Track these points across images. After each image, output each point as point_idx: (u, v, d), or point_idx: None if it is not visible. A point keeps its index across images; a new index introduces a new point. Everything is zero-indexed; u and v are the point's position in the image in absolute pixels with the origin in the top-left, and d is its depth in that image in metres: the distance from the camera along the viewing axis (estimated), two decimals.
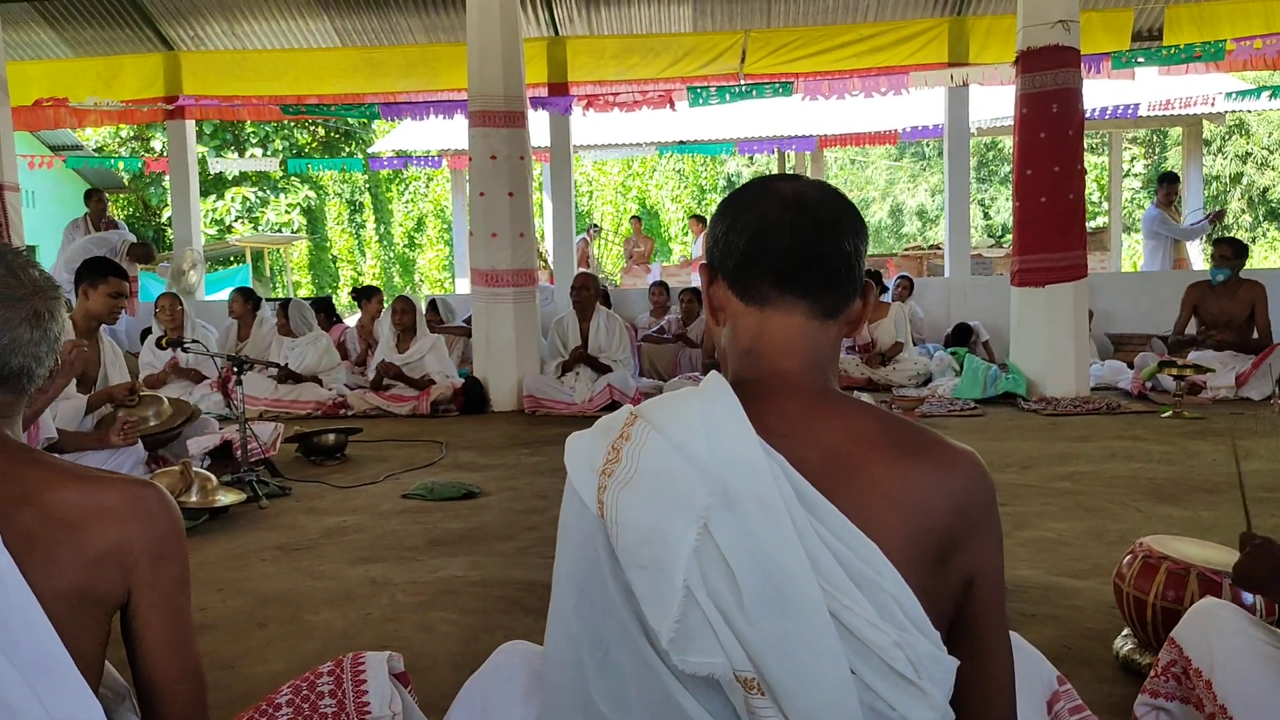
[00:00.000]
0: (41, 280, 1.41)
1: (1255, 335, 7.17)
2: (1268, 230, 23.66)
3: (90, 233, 9.73)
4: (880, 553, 1.16)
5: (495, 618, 2.82)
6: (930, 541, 1.21)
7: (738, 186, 1.35)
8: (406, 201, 23.86)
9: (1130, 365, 7.65)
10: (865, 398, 6.16)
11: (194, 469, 4.09)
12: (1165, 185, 9.99)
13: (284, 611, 2.93)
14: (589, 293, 7.61)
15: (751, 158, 23.17)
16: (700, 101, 9.23)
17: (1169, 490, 4.18)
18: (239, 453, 4.66)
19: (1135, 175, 23.28)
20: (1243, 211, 23.17)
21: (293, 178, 20.23)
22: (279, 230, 20.15)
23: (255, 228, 20.27)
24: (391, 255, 23.68)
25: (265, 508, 4.29)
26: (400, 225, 23.84)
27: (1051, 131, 6.97)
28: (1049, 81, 6.89)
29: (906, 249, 14.37)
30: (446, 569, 3.31)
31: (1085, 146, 7.94)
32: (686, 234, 24.24)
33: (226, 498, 4.08)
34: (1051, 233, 7.04)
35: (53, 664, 1.23)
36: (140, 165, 13.61)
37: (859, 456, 1.21)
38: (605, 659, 1.22)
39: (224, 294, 16.88)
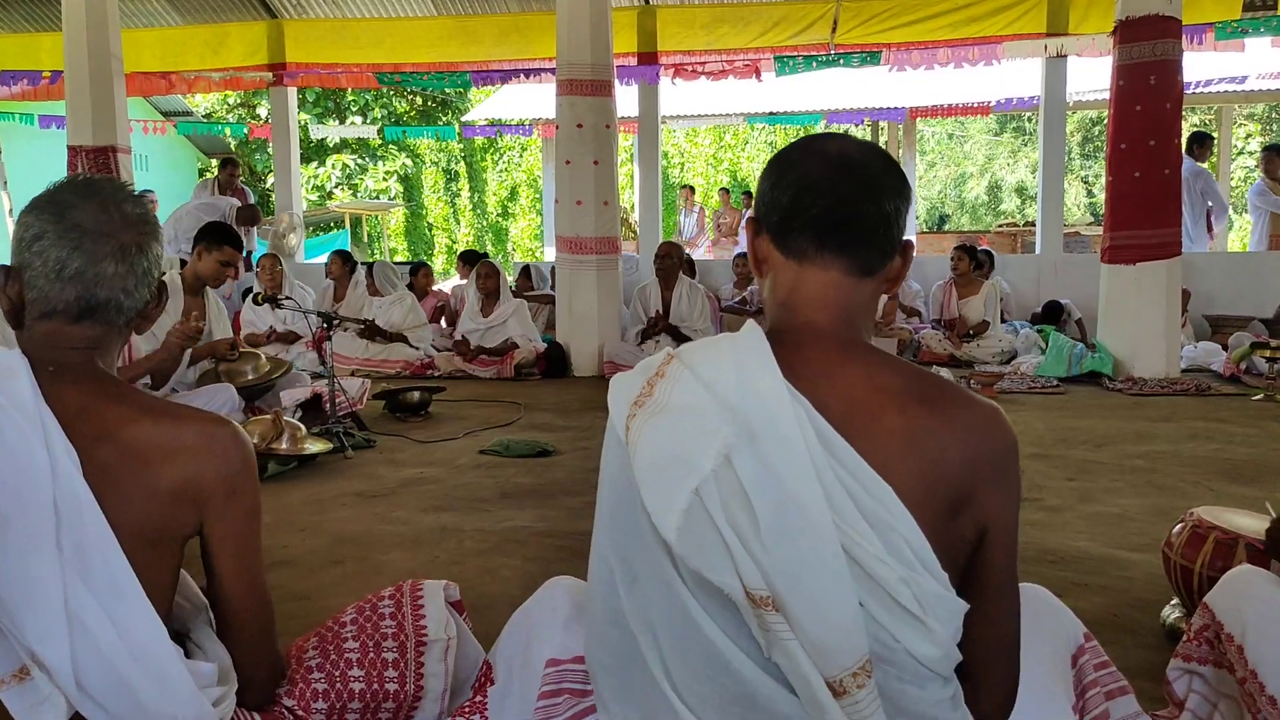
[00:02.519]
0: (134, 214, 1.45)
1: None
2: None
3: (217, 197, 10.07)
4: (894, 495, 1.22)
5: (556, 565, 2.94)
6: (943, 492, 1.26)
7: (786, 146, 1.42)
8: (500, 171, 24.18)
9: (1225, 348, 7.43)
10: (944, 373, 6.13)
11: (285, 418, 4.30)
12: (1268, 155, 9.61)
13: (357, 551, 3.10)
14: (672, 261, 7.68)
15: (846, 130, 22.88)
16: (787, 70, 9.18)
17: (1247, 471, 4.10)
18: (328, 405, 4.88)
19: (1249, 153, 22.28)
20: None
21: (391, 146, 20.69)
22: (377, 197, 20.64)
23: (354, 194, 20.80)
24: (485, 224, 24.05)
25: (350, 457, 4.50)
26: (494, 194, 24.19)
27: (1148, 104, 6.77)
28: (1147, 52, 6.69)
29: (999, 226, 14.06)
30: (514, 520, 3.45)
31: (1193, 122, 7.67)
32: None
33: (314, 446, 4.29)
34: (1145, 209, 6.86)
35: (125, 591, 1.32)
36: (245, 131, 14.09)
37: (878, 405, 1.26)
38: (634, 581, 1.31)
39: (323, 258, 17.40)
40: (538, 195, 22.49)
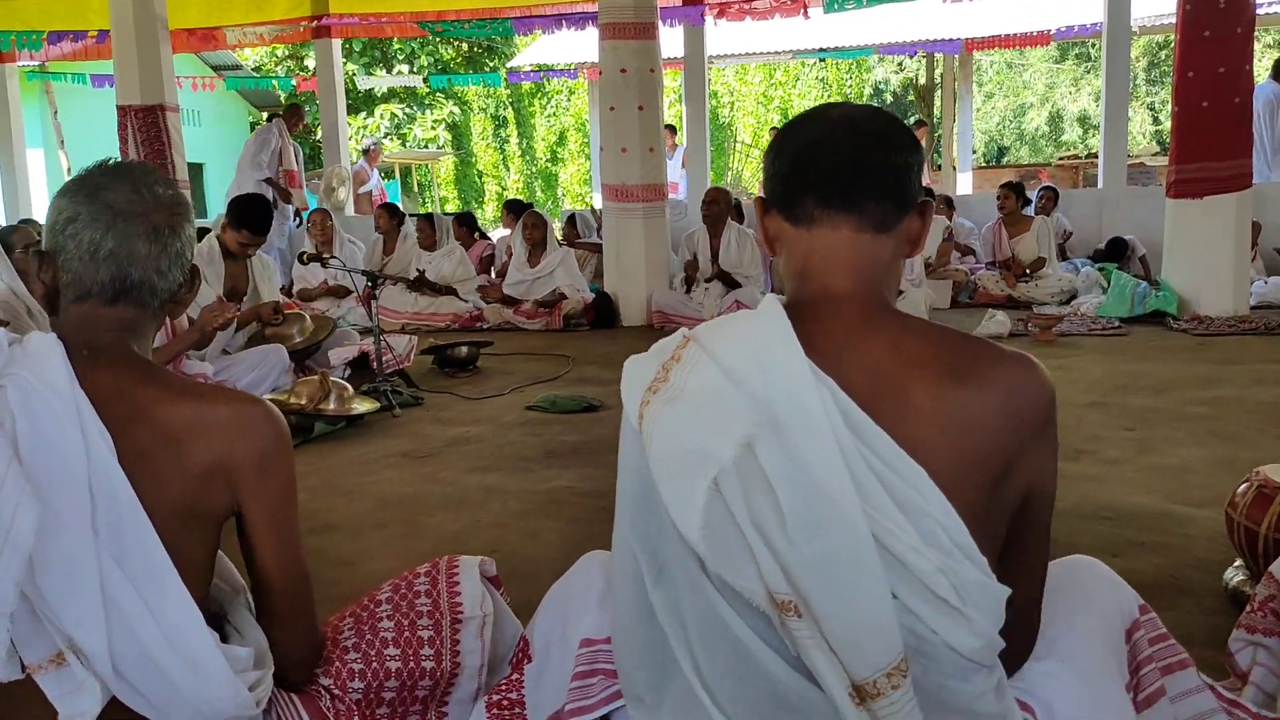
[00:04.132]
0: (165, 195, 1.45)
1: None
2: None
3: (285, 142, 9.97)
4: (927, 478, 1.16)
5: (598, 528, 2.92)
6: (984, 462, 1.20)
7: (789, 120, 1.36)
8: (549, 116, 24.00)
9: None
10: (1000, 316, 5.97)
11: (332, 379, 4.32)
12: None
13: (402, 514, 3.11)
14: (719, 207, 7.55)
15: (900, 63, 22.31)
16: (835, 7, 8.92)
17: None
18: (375, 364, 4.90)
19: None
20: None
21: (439, 94, 20.61)
22: (425, 146, 20.64)
23: (403, 144, 20.81)
24: (534, 170, 23.96)
25: (398, 416, 4.51)
26: (543, 140, 24.05)
27: (1217, 29, 6.46)
28: None
29: (1061, 158, 13.66)
30: (558, 479, 3.43)
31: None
32: None
33: (361, 406, 4.31)
34: (1213, 140, 6.58)
35: (159, 573, 1.32)
36: (293, 85, 14.10)
37: (906, 378, 1.20)
38: (660, 574, 1.27)
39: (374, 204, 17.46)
40: (586, 140, 22.31)
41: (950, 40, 12.12)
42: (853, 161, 1.25)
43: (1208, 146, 6.58)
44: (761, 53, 13.43)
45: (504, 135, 23.63)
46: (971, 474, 1.20)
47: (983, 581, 1.18)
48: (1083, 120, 25.18)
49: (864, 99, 23.33)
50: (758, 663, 1.20)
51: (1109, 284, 7.39)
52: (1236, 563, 2.34)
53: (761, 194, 1.37)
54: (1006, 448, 1.21)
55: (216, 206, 16.09)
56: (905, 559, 1.15)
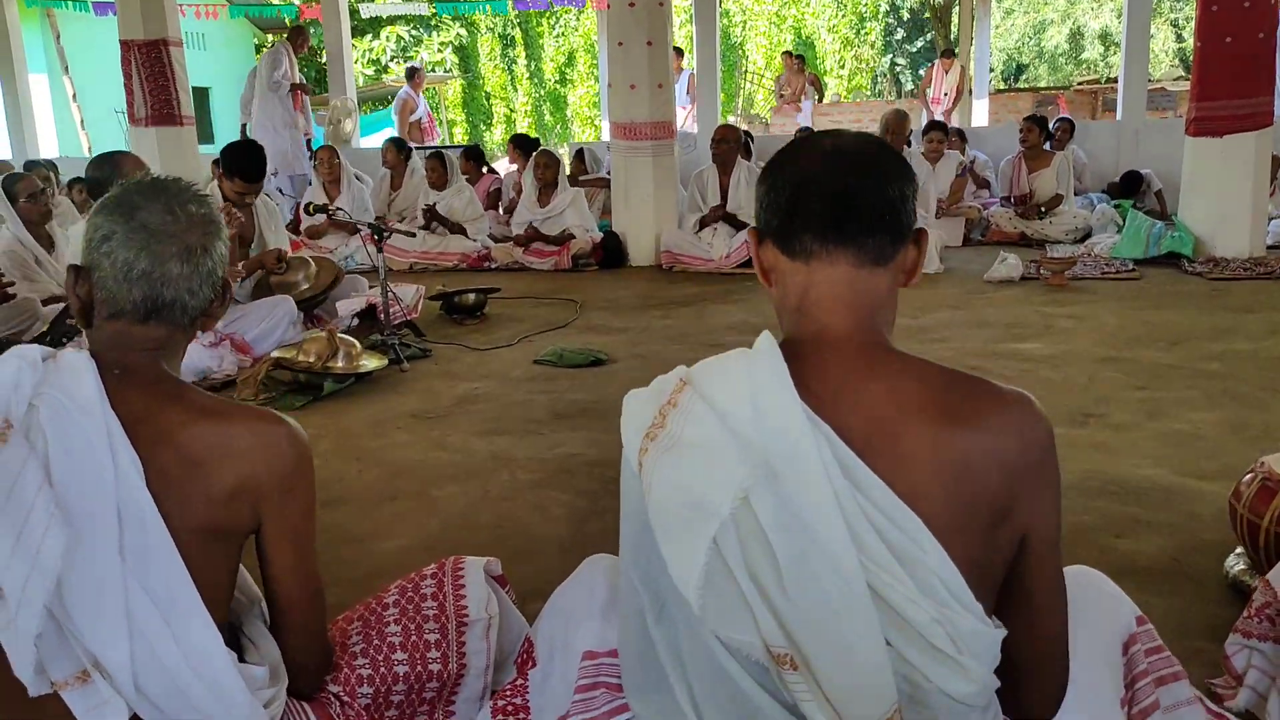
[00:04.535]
0: (198, 215, 1.46)
1: None
2: None
3: (293, 63, 9.92)
4: (923, 526, 1.17)
5: (605, 500, 2.95)
6: (980, 509, 1.21)
7: (781, 149, 1.34)
8: (557, 36, 23.57)
9: None
10: (1012, 260, 5.92)
11: (339, 335, 4.32)
12: None
13: (412, 485, 3.14)
14: (729, 145, 7.43)
15: None
16: None
17: None
18: (382, 315, 4.90)
19: None
20: None
21: (445, 16, 20.22)
22: (432, 70, 20.31)
23: None
24: (543, 92, 23.61)
25: (406, 370, 4.53)
26: (551, 60, 23.66)
27: None
28: None
29: (1080, 83, 13.38)
30: (565, 445, 3.45)
31: None
32: (844, 67, 23.21)
33: (370, 363, 4.32)
34: (1235, 76, 6.43)
35: (181, 597, 1.35)
36: (296, 12, 13.84)
37: (903, 424, 1.20)
38: (661, 612, 1.29)
39: (382, 134, 17.30)
40: (594, 62, 21.93)
41: None
42: (848, 196, 1.24)
43: (1230, 83, 6.44)
44: None
45: (512, 56, 23.24)
46: (969, 520, 1.20)
47: (979, 630, 1.19)
48: (1104, 37, 24.59)
49: (879, 18, 22.79)
50: (756, 707, 1.22)
51: (1124, 223, 7.30)
52: (1238, 550, 2.35)
53: (754, 225, 1.36)
54: (1003, 492, 1.21)
55: (222, 130, 15.94)
56: (902, 610, 1.17)
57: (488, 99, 23.12)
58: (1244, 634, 1.84)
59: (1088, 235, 7.71)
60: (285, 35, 10.41)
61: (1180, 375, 4.02)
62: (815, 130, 1.40)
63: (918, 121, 13.52)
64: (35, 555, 1.26)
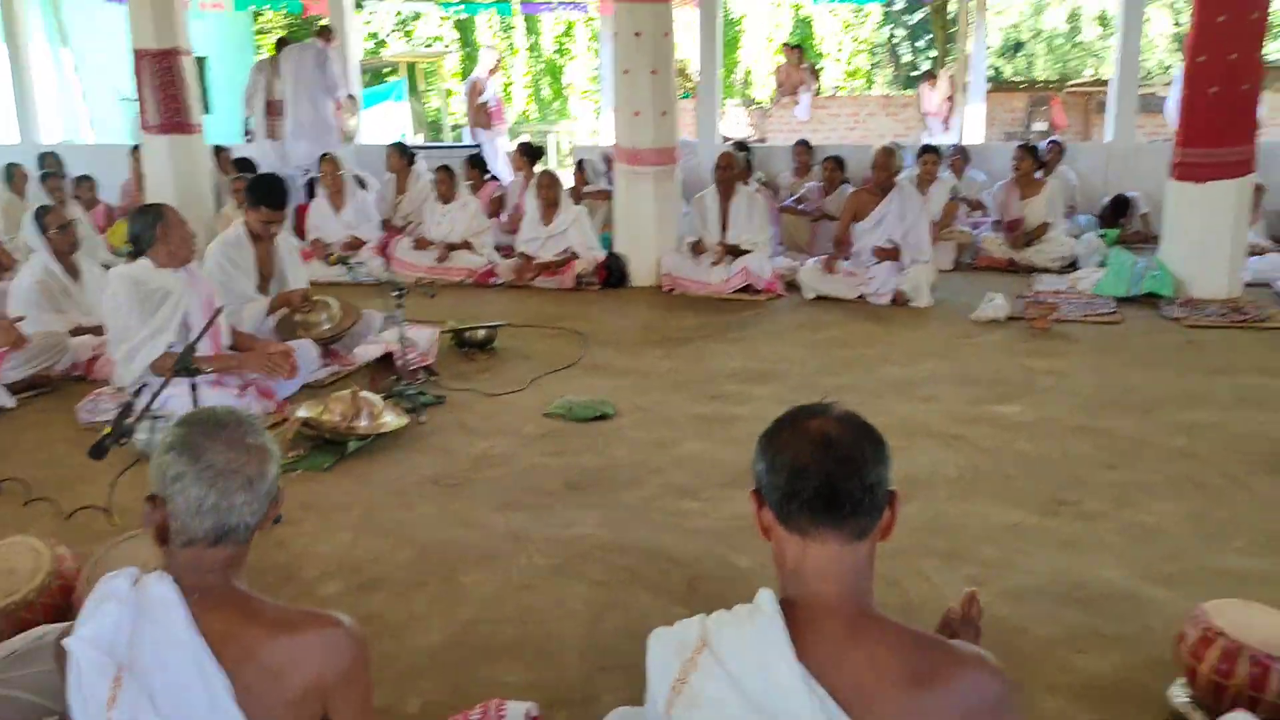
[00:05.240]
0: (254, 445, 1.72)
1: None
2: None
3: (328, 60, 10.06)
4: None
5: (618, 592, 3.22)
6: None
7: (775, 424, 1.66)
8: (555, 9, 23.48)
9: None
10: (999, 300, 6.16)
11: (362, 394, 4.58)
12: None
13: (439, 569, 3.41)
14: (732, 172, 7.66)
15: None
16: None
17: None
18: (400, 362, 5.16)
19: None
20: None
21: None
22: (431, 45, 20.32)
23: (408, 41, 20.49)
24: (542, 66, 23.60)
25: (423, 423, 4.79)
26: (550, 30, 23.60)
27: (1232, 14, 6.49)
28: None
29: (1071, 87, 13.55)
30: (578, 525, 3.72)
31: None
32: (840, 50, 23.24)
33: (391, 421, 4.58)
34: (1219, 126, 6.70)
35: None
36: (300, 7, 13.88)
37: (879, 690, 1.51)
38: None
39: (383, 104, 17.33)
40: (594, 33, 21.90)
41: None
42: (836, 486, 1.55)
43: (1213, 134, 6.69)
44: None
45: (510, 24, 23.16)
46: None
47: None
48: (1102, 20, 24.65)
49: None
50: None
51: (1109, 252, 7.57)
52: (1181, 681, 2.65)
53: (755, 487, 1.66)
54: None
55: (219, 105, 15.90)
56: None
57: None
58: None
59: (1074, 265, 7.99)
60: (317, 32, 10.62)
61: (1150, 454, 4.29)
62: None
63: (917, 122, 13.74)
64: None
